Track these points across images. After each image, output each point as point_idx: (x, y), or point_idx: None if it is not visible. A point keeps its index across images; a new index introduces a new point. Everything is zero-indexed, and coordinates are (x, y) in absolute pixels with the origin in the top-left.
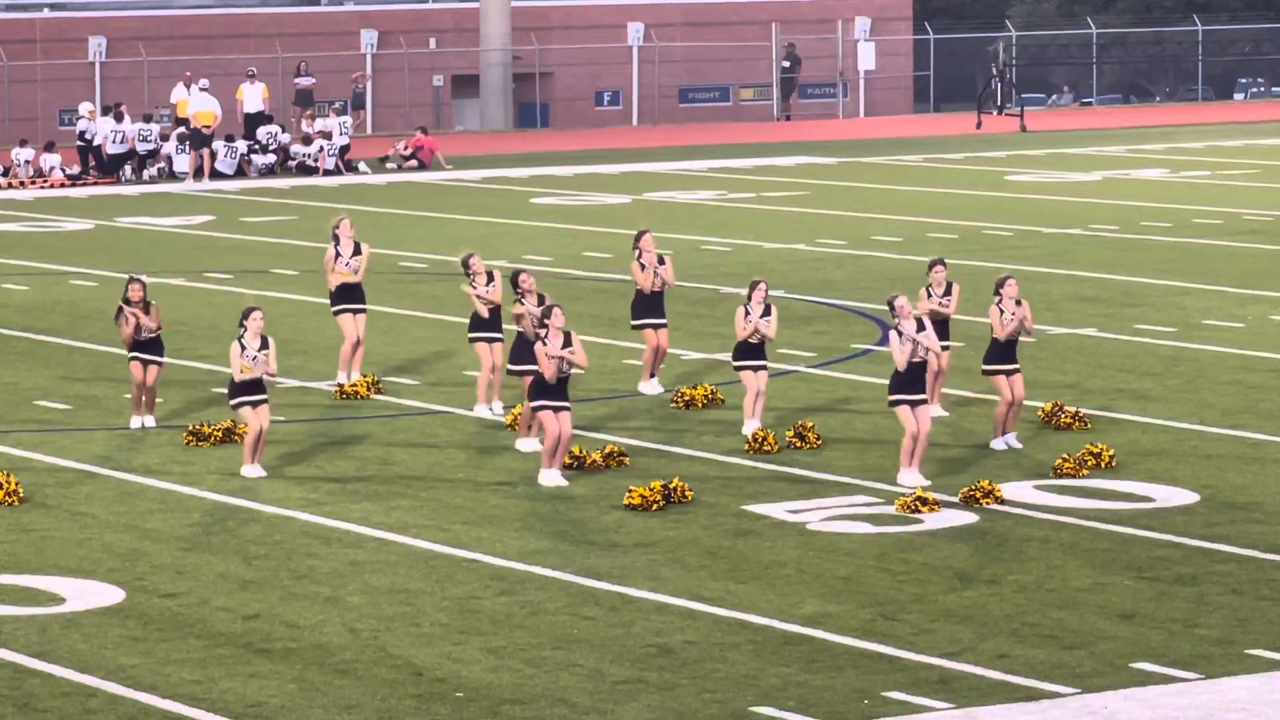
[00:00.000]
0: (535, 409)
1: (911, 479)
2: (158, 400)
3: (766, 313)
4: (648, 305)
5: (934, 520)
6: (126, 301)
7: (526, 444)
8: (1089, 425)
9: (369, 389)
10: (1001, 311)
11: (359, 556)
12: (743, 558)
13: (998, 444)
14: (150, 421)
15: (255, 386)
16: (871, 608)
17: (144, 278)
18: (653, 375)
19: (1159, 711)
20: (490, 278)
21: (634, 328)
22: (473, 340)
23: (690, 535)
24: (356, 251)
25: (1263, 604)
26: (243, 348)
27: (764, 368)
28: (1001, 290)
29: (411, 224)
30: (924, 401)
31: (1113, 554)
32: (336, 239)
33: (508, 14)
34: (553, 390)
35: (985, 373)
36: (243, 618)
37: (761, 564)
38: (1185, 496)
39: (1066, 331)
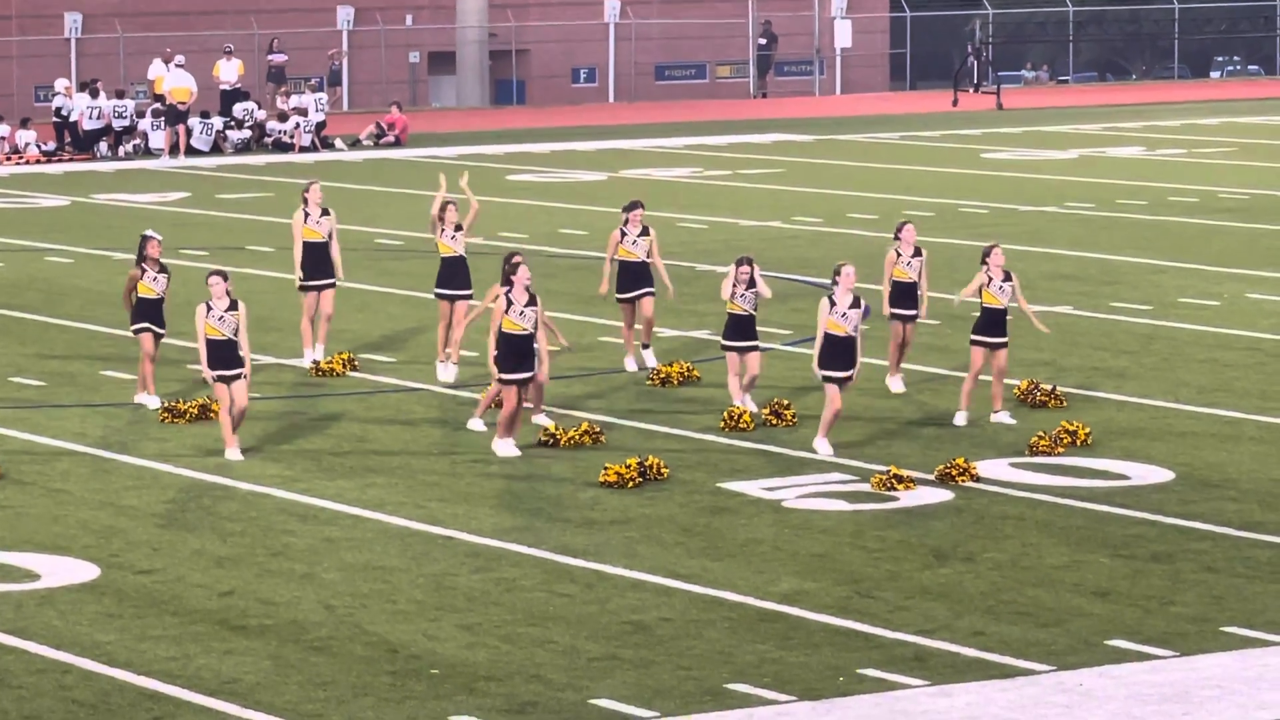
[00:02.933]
0: (501, 381)
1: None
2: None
3: (751, 285)
4: (635, 277)
5: (909, 498)
6: (143, 258)
7: (477, 423)
8: (1064, 403)
9: (345, 366)
10: (990, 279)
11: (334, 533)
12: (718, 535)
13: (960, 419)
14: (155, 401)
15: (228, 359)
16: (847, 585)
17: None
18: (646, 346)
19: (1134, 689)
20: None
21: (618, 301)
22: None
23: (666, 512)
24: (325, 214)
25: (1238, 581)
26: (209, 308)
27: (755, 349)
28: (988, 260)
29: (387, 201)
30: (848, 379)
31: (1088, 532)
32: (305, 201)
33: None
34: (516, 361)
35: (972, 342)
36: (218, 594)
37: (737, 541)
38: (1160, 474)
39: (1042, 309)
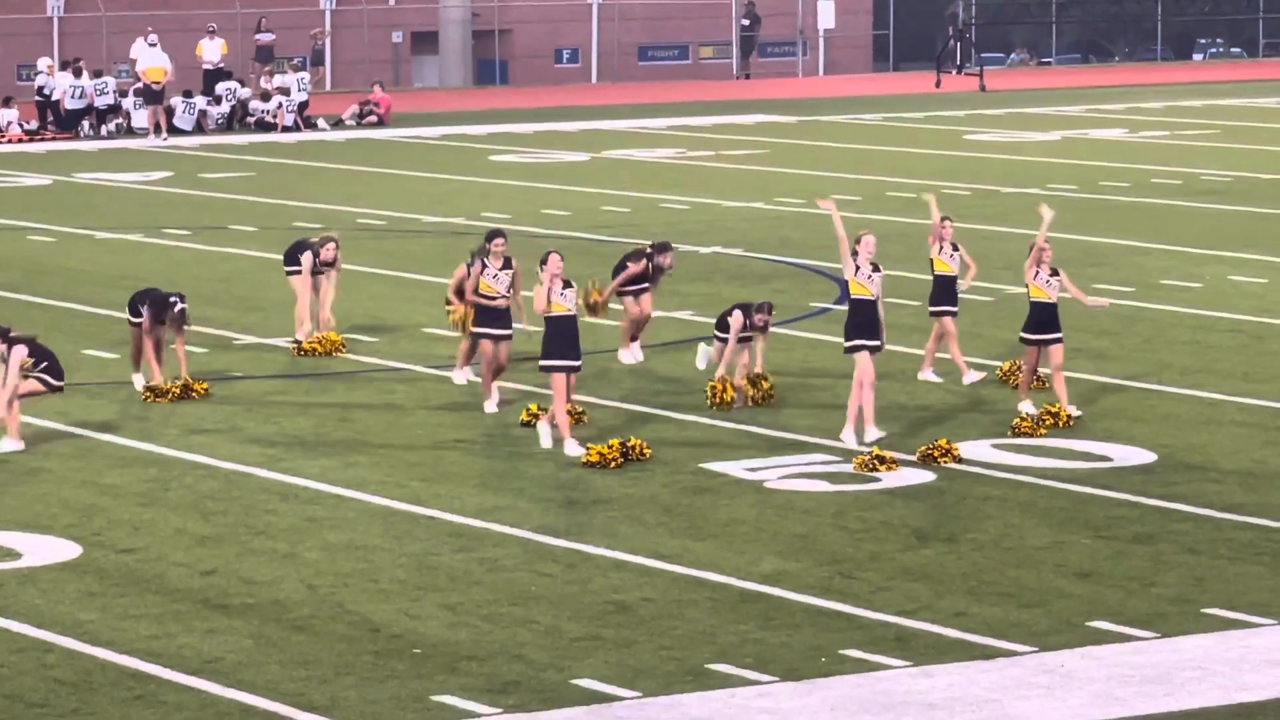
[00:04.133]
0: (476, 336)
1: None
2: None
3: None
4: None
5: (891, 479)
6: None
7: (461, 375)
8: (1046, 385)
9: (331, 348)
10: (941, 247)
11: (317, 513)
12: (700, 515)
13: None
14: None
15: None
16: (829, 566)
17: None
18: (634, 339)
19: (1115, 670)
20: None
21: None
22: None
23: (648, 493)
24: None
25: (1219, 563)
26: None
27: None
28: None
29: (370, 180)
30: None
31: (1070, 513)
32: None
33: None
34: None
35: (1021, 339)
36: (200, 573)
37: (719, 522)
38: (1142, 456)
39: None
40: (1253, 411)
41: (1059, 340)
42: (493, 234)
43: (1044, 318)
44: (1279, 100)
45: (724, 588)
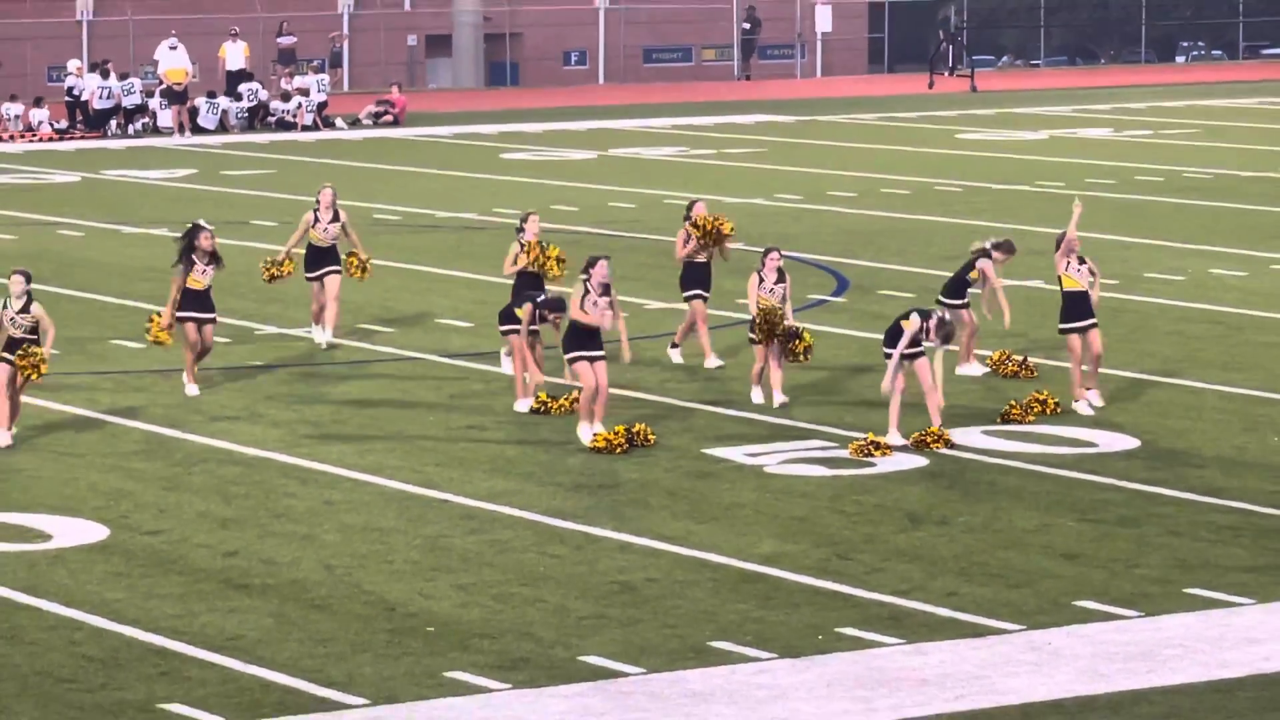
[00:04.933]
0: (572, 360)
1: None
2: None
3: (780, 279)
4: (694, 277)
5: (886, 464)
6: (191, 249)
7: (524, 404)
8: (1035, 374)
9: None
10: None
11: (334, 496)
12: (702, 499)
13: (1080, 406)
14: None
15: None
16: (826, 547)
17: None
18: (676, 345)
19: (1100, 647)
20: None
21: (685, 299)
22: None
23: (652, 477)
24: (335, 219)
25: (1200, 545)
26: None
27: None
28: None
29: (386, 178)
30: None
31: (1057, 497)
32: (318, 204)
33: None
34: (588, 340)
35: (1061, 331)
36: (222, 554)
37: (720, 505)
38: (1127, 442)
39: (1014, 283)
40: (1233, 399)
41: (1095, 325)
42: (593, 261)
43: (1079, 306)
44: (1258, 100)
45: (725, 568)
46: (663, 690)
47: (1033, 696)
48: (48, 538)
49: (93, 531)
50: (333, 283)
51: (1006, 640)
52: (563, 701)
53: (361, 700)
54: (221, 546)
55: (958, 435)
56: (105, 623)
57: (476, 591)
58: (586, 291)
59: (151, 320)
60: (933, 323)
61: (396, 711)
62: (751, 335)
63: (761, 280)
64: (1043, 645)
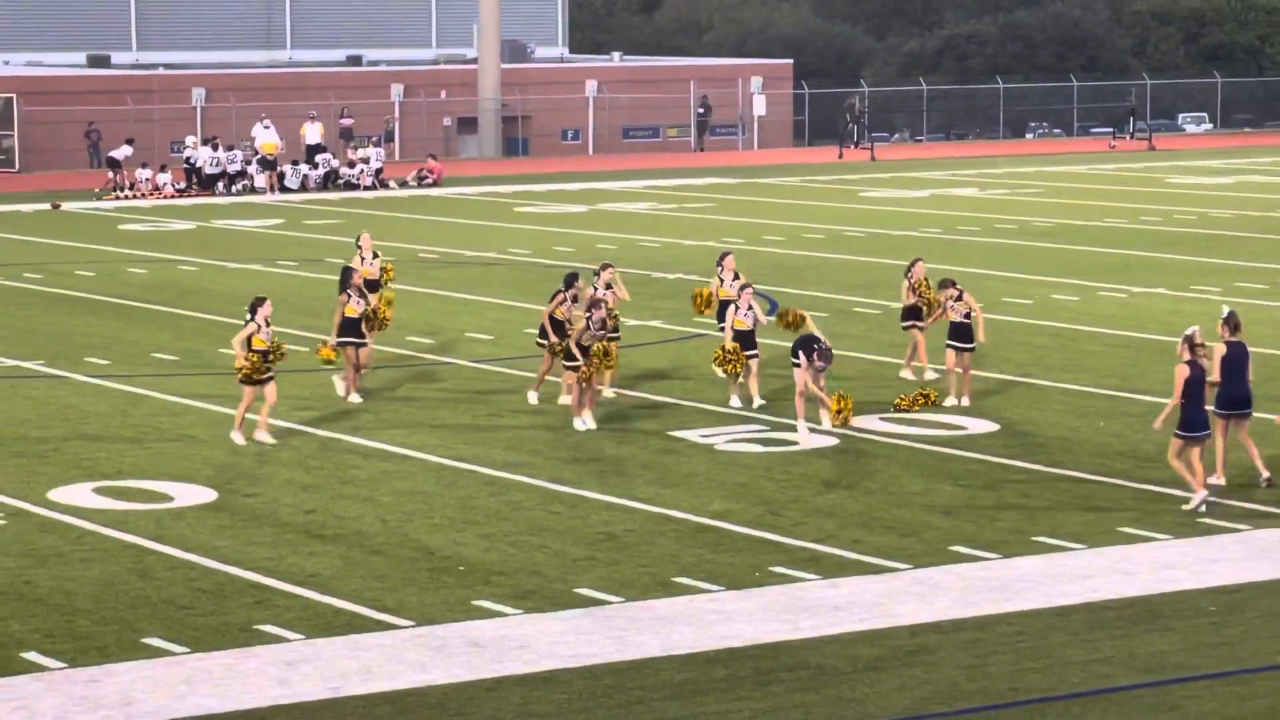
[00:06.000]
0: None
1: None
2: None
3: (736, 277)
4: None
5: (806, 443)
6: (348, 285)
7: (582, 422)
8: (935, 399)
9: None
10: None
11: (389, 468)
12: (668, 469)
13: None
14: (358, 398)
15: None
16: (761, 506)
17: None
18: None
19: (969, 582)
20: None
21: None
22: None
23: (630, 453)
24: (375, 256)
25: (1044, 504)
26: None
27: (755, 356)
28: (910, 273)
29: (427, 226)
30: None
31: (936, 468)
32: (360, 249)
33: (498, 74)
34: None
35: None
36: (303, 512)
37: (681, 474)
38: (989, 426)
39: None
40: (1069, 394)
41: (972, 349)
42: (595, 303)
43: (958, 332)
44: (1088, 167)
45: (684, 522)
46: (638, 614)
47: (918, 619)
48: (170, 499)
49: (205, 495)
50: (365, 354)
51: (898, 576)
52: (561, 623)
53: (409, 622)
54: (302, 506)
55: (861, 421)
56: (214, 564)
57: (496, 540)
58: (588, 314)
59: (321, 345)
60: (818, 349)
61: (435, 630)
62: (717, 366)
63: (721, 282)
64: (926, 580)
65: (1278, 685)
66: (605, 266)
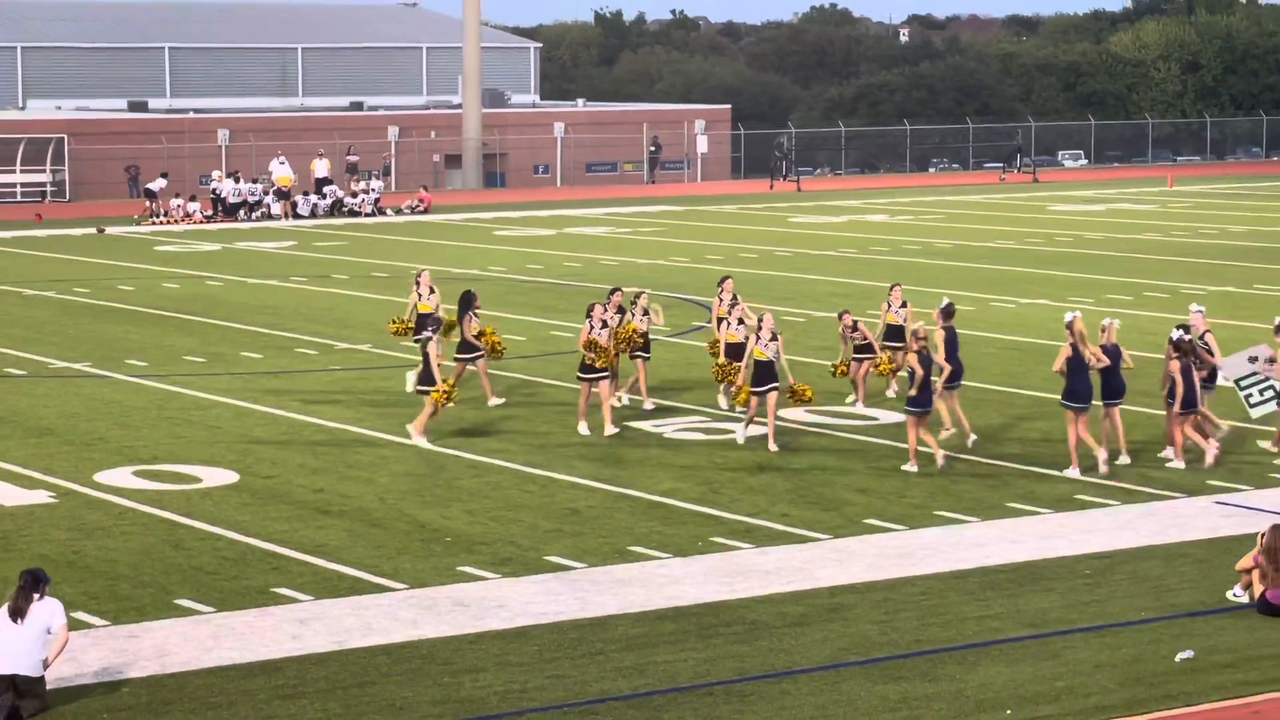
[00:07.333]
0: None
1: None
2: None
3: (735, 301)
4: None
5: (742, 433)
6: (467, 304)
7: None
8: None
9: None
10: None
11: (387, 454)
12: (624, 454)
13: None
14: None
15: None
16: (704, 485)
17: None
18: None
19: (880, 550)
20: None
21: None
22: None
23: (592, 440)
24: (432, 292)
25: (945, 483)
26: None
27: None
28: (843, 320)
29: (419, 246)
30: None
31: (853, 452)
32: (418, 284)
33: (480, 117)
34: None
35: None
36: (313, 491)
37: (635, 459)
38: (898, 418)
39: (824, 315)
40: (967, 390)
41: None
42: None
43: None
44: (984, 196)
45: (638, 499)
46: (599, 578)
47: (837, 581)
48: (199, 480)
49: (228, 476)
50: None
51: (820, 545)
52: (533, 585)
53: (403, 585)
54: (312, 485)
55: (788, 413)
56: (237, 535)
57: (478, 514)
58: (591, 329)
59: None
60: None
61: (426, 592)
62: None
63: (721, 302)
64: (844, 548)
65: (1141, 636)
66: (641, 293)
